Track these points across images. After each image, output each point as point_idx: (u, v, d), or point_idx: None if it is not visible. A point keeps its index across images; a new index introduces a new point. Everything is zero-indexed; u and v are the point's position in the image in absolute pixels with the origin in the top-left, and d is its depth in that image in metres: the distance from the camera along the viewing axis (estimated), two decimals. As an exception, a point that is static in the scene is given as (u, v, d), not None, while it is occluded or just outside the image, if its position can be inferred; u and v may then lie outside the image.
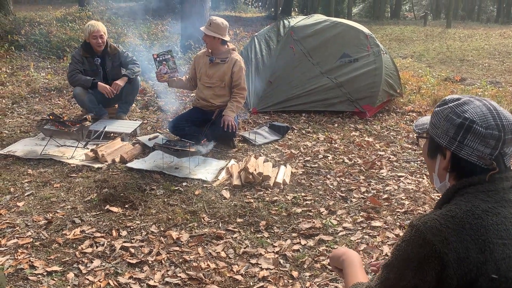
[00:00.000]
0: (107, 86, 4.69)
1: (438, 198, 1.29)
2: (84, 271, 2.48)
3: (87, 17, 11.79)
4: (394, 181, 3.85)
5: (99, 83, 4.72)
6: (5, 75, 7.20)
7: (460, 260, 1.07)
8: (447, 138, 1.20)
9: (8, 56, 8.48)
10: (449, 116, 1.20)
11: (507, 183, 1.17)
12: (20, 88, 6.56)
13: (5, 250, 2.65)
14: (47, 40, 9.30)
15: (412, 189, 3.67)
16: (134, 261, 2.58)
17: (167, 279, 2.44)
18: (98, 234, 2.85)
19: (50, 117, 4.48)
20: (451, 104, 1.21)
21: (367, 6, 36.10)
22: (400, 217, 3.19)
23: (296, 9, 28.63)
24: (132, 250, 2.69)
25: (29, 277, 2.40)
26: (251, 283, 2.44)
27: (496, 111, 1.16)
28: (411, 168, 4.13)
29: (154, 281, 2.42)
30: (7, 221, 2.97)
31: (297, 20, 6.25)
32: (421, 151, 1.39)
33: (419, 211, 3.27)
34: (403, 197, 3.50)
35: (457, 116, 1.18)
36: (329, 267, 2.57)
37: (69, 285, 2.37)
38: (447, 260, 1.07)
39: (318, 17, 6.30)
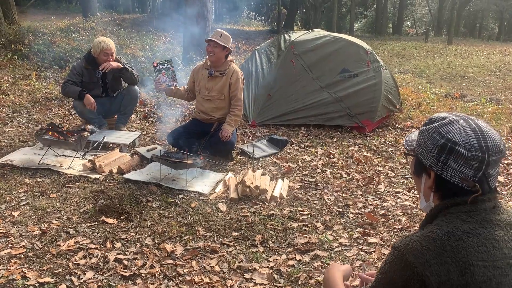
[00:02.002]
0: (92, 102, 4.66)
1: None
2: (76, 283, 2.46)
3: (91, 28, 11.90)
4: (391, 197, 3.83)
5: (86, 95, 4.68)
6: (7, 84, 7.24)
7: (441, 284, 1.06)
8: (431, 159, 1.19)
9: (10, 65, 8.53)
10: (433, 136, 1.19)
11: (489, 204, 1.16)
12: (21, 97, 6.59)
13: (-2, 260, 2.64)
14: (50, 50, 9.37)
15: (410, 205, 3.65)
16: (127, 274, 2.56)
17: (159, 293, 2.42)
18: (92, 246, 2.83)
19: (50, 127, 4.48)
20: (436, 124, 1.21)
21: (369, 22, 36.38)
22: (396, 233, 3.17)
23: (299, 23, 28.87)
24: (126, 263, 2.67)
25: (21, 288, 2.39)
26: (244, 298, 2.41)
27: (481, 131, 1.15)
28: (409, 184, 4.12)
29: (147, 295, 2.40)
30: (2, 230, 2.95)
31: (298, 34, 6.30)
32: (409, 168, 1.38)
33: (415, 227, 3.25)
34: (400, 214, 3.49)
35: (441, 137, 1.17)
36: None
37: (61, 297, 2.35)
38: (428, 283, 1.06)
39: (319, 32, 6.34)
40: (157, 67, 4.50)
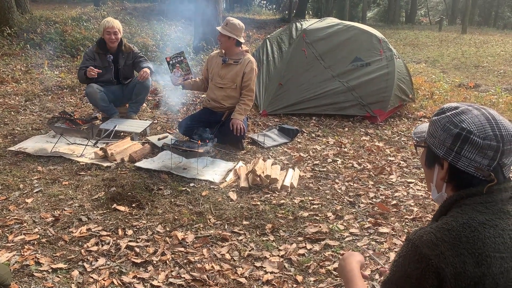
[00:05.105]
0: (95, 70, 4.62)
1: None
2: (88, 269, 2.49)
3: (102, 16, 11.91)
4: (403, 187, 3.80)
5: (87, 69, 4.63)
6: (20, 73, 7.30)
7: (457, 275, 1.04)
8: (444, 149, 1.17)
9: (23, 54, 8.59)
10: (446, 126, 1.17)
11: (506, 194, 1.14)
12: (34, 86, 6.64)
13: (12, 246, 2.67)
14: (62, 39, 9.41)
15: (422, 195, 3.62)
16: (138, 261, 2.58)
17: (171, 280, 2.44)
18: (104, 233, 2.86)
19: (62, 115, 4.51)
20: (448, 113, 1.18)
21: (381, 11, 35.92)
22: (408, 223, 3.15)
23: (310, 12, 28.59)
24: (137, 250, 2.69)
25: (34, 274, 2.42)
26: (255, 287, 2.42)
27: (495, 120, 1.13)
28: (421, 175, 4.07)
29: (158, 281, 2.41)
30: (15, 217, 2.99)
31: (309, 23, 6.23)
32: (420, 159, 1.36)
33: (427, 218, 3.22)
34: (412, 204, 3.46)
35: (454, 126, 1.15)
36: (334, 272, 2.54)
37: (74, 283, 2.37)
38: (444, 275, 1.05)
39: (331, 21, 6.27)
40: (171, 62, 4.43)
